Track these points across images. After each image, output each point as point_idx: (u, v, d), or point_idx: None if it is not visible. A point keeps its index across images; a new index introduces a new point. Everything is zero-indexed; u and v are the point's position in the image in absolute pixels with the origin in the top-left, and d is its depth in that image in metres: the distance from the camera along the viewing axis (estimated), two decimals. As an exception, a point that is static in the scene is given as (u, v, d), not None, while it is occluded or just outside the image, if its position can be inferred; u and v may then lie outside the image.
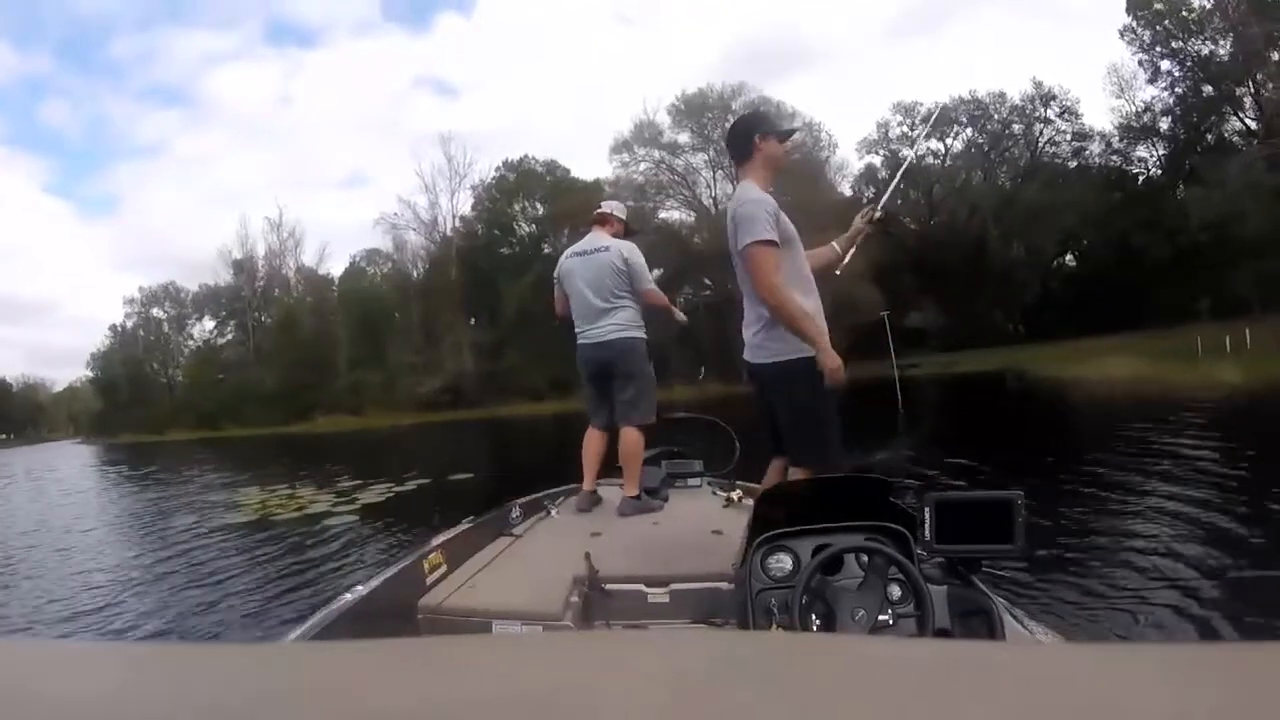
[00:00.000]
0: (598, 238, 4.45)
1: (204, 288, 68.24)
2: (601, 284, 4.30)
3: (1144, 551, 5.34)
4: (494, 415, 38.06)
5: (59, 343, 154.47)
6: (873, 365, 29.97)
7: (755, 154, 3.18)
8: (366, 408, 49.77)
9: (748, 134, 3.24)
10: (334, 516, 9.81)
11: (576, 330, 4.42)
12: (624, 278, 4.29)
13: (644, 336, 4.39)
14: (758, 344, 3.14)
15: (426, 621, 2.61)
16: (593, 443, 4.42)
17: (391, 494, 11.71)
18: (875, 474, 2.33)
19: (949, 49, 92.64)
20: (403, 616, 2.58)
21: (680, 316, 4.74)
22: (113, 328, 73.16)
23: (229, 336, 67.66)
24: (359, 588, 2.52)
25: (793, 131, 3.79)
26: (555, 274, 4.52)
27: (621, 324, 4.31)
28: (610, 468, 4.40)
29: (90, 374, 77.88)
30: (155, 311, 71.76)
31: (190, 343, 71.10)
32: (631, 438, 4.26)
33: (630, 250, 4.35)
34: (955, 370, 34.56)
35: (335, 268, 65.95)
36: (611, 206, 4.68)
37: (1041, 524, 6.12)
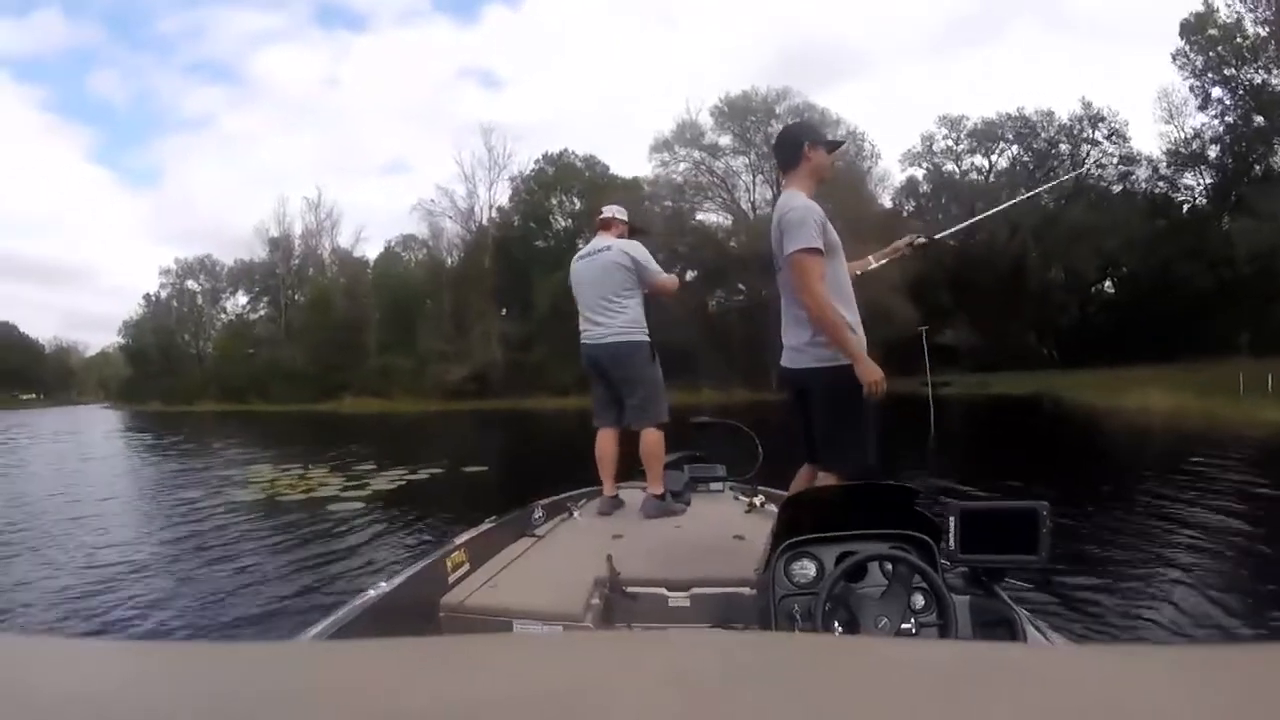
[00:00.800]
0: (601, 240, 4.50)
1: (239, 263, 69.12)
2: (604, 285, 4.34)
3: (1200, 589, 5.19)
4: (519, 407, 38.08)
5: (95, 309, 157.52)
6: (905, 381, 29.83)
7: (802, 162, 3.20)
8: (394, 392, 49.89)
9: (796, 142, 3.26)
10: (340, 502, 9.71)
11: (582, 331, 4.46)
12: (629, 276, 4.33)
13: (648, 339, 4.40)
14: (800, 349, 3.15)
15: (448, 620, 2.64)
16: (605, 444, 4.46)
17: (404, 482, 11.58)
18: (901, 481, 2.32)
19: (996, 66, 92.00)
20: (424, 615, 2.60)
21: (673, 282, 4.66)
22: (147, 297, 74.39)
23: (261, 313, 68.39)
24: (381, 584, 2.55)
25: (841, 143, 3.82)
26: (570, 279, 4.57)
27: (624, 326, 4.33)
28: (629, 471, 4.45)
29: (122, 341, 78.77)
30: (190, 283, 72.94)
31: (223, 316, 71.96)
32: (651, 437, 4.29)
33: (633, 247, 4.39)
34: (988, 391, 34.11)
35: (371, 251, 66.47)
36: (613, 210, 4.70)
37: (1106, 557, 6.02)
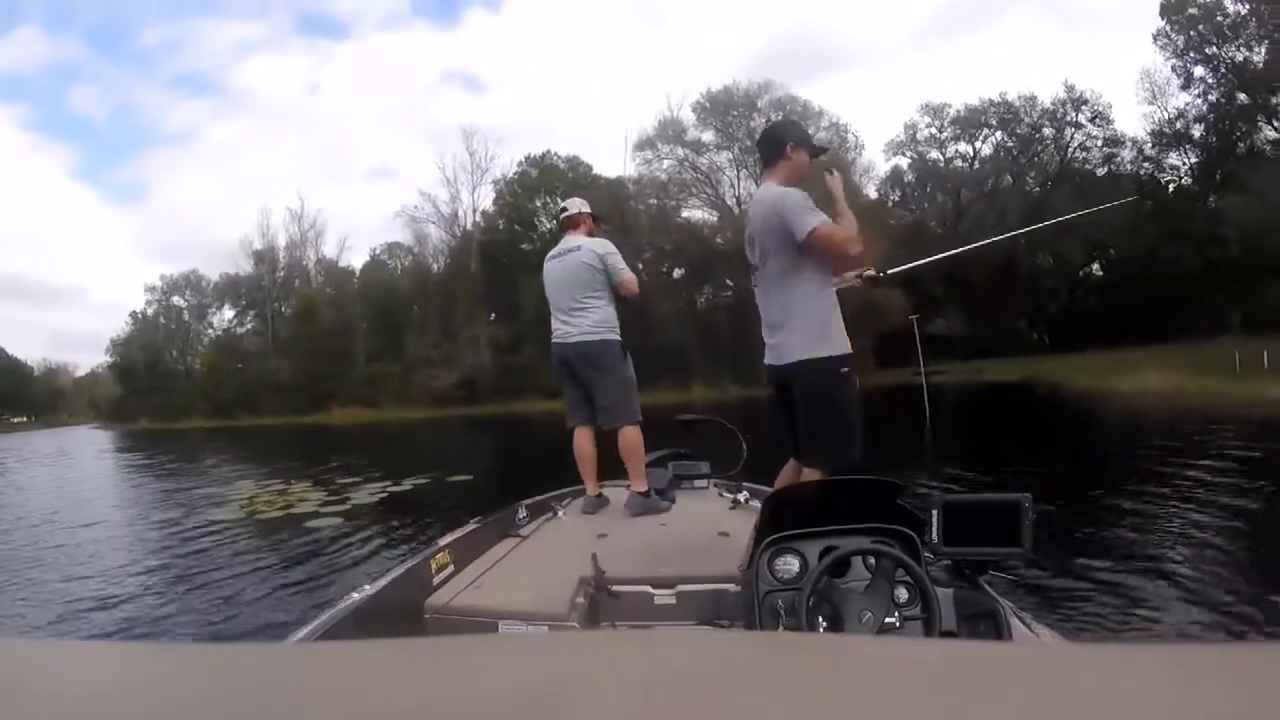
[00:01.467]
0: (571, 239, 4.51)
1: (225, 277, 68.46)
2: (573, 285, 4.37)
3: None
4: (509, 411, 37.78)
5: (83, 328, 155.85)
6: (898, 372, 29.50)
7: (783, 161, 3.27)
8: (382, 400, 49.66)
9: (781, 140, 3.34)
10: (317, 518, 9.32)
11: (553, 331, 4.50)
12: (597, 276, 4.35)
13: (618, 338, 4.40)
14: (782, 346, 3.20)
15: (433, 621, 2.63)
16: (582, 443, 4.46)
17: (385, 494, 11.17)
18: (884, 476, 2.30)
19: (979, 52, 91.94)
20: (409, 616, 2.60)
21: (635, 283, 4.56)
22: (133, 314, 73.51)
23: (248, 326, 67.76)
24: (366, 587, 2.53)
25: (824, 149, 3.79)
26: (544, 279, 4.60)
27: (594, 325, 4.35)
28: (612, 470, 4.44)
29: (110, 360, 78.24)
30: (176, 299, 72.22)
31: (210, 331, 71.30)
32: (630, 435, 4.31)
33: (603, 247, 4.42)
34: (982, 379, 33.75)
35: (357, 260, 66.25)
36: (577, 205, 4.72)
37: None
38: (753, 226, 3.27)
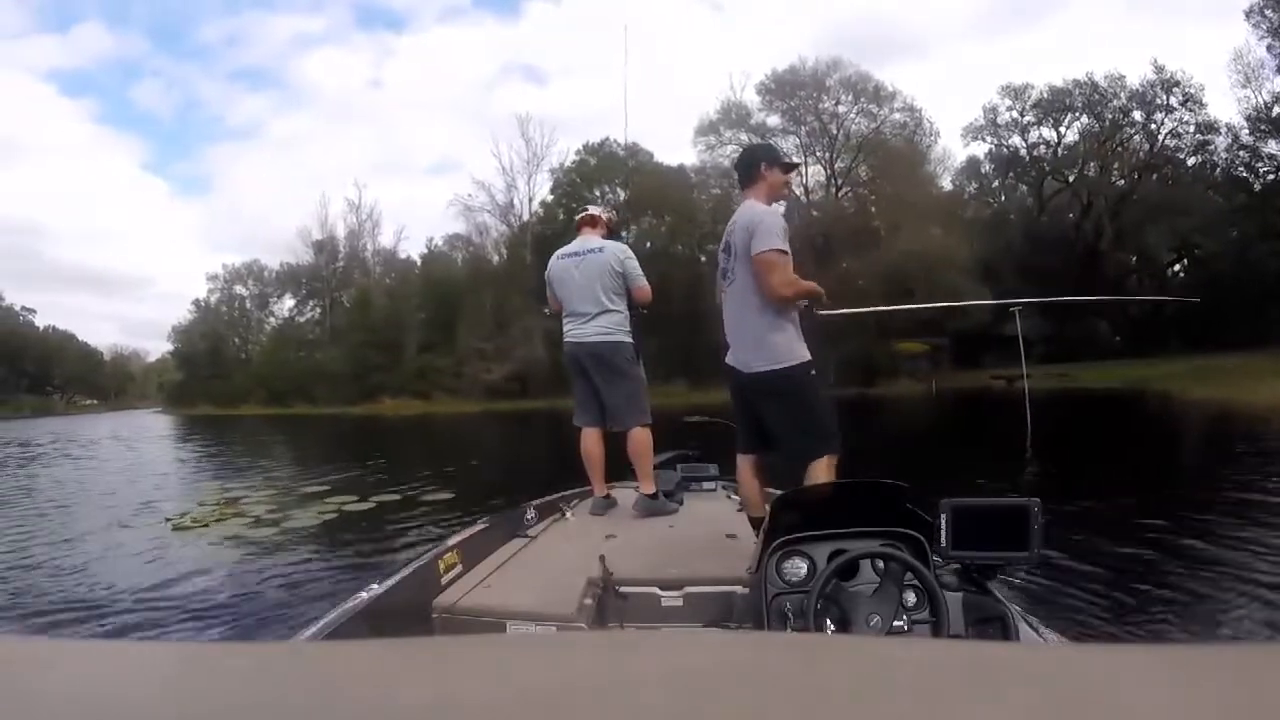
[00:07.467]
0: (589, 240, 4.56)
1: (286, 266, 69.25)
2: (594, 286, 4.41)
3: None
4: (558, 406, 36.27)
5: (153, 316, 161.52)
6: (974, 374, 27.18)
7: (759, 181, 3.47)
8: (434, 393, 49.15)
9: (754, 161, 3.54)
10: (226, 547, 7.39)
11: (565, 330, 4.52)
12: (618, 279, 4.41)
13: (631, 340, 4.45)
14: (759, 353, 3.33)
15: (441, 621, 2.64)
16: (589, 444, 4.50)
17: (337, 514, 9.11)
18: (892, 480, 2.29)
19: (1060, 33, 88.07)
20: (417, 616, 2.62)
21: (649, 292, 4.59)
22: (196, 302, 74.98)
23: (308, 316, 68.41)
24: (374, 586, 2.52)
25: (795, 165, 4.08)
26: (547, 275, 4.61)
27: (611, 326, 4.40)
28: (621, 471, 4.48)
29: (172, 346, 79.62)
30: (238, 288, 73.45)
31: (270, 320, 72.37)
32: (639, 436, 4.36)
33: (624, 251, 4.50)
34: (1072, 384, 30.47)
35: (416, 251, 66.24)
36: (598, 209, 4.79)
37: None
38: (733, 236, 3.37)
